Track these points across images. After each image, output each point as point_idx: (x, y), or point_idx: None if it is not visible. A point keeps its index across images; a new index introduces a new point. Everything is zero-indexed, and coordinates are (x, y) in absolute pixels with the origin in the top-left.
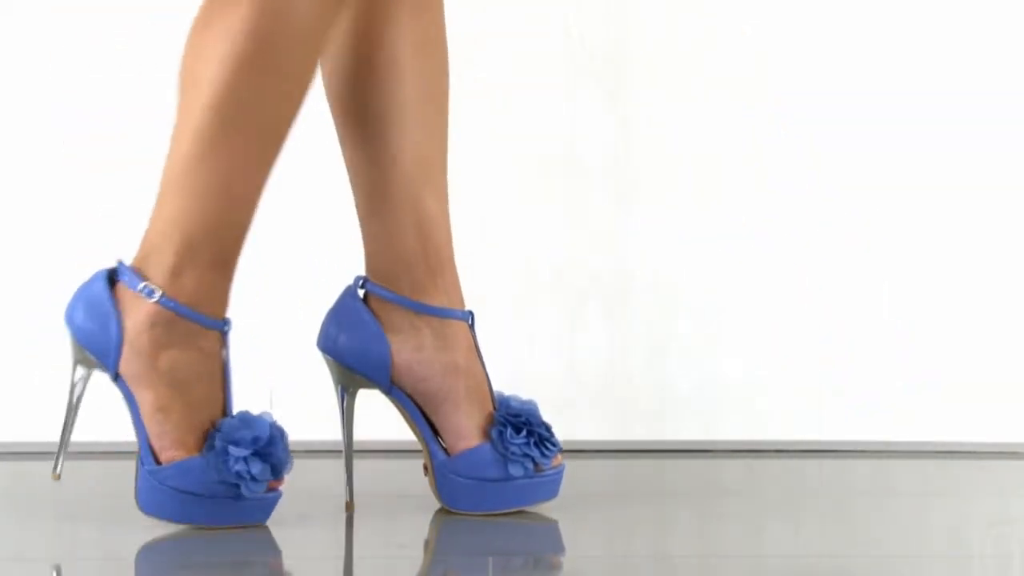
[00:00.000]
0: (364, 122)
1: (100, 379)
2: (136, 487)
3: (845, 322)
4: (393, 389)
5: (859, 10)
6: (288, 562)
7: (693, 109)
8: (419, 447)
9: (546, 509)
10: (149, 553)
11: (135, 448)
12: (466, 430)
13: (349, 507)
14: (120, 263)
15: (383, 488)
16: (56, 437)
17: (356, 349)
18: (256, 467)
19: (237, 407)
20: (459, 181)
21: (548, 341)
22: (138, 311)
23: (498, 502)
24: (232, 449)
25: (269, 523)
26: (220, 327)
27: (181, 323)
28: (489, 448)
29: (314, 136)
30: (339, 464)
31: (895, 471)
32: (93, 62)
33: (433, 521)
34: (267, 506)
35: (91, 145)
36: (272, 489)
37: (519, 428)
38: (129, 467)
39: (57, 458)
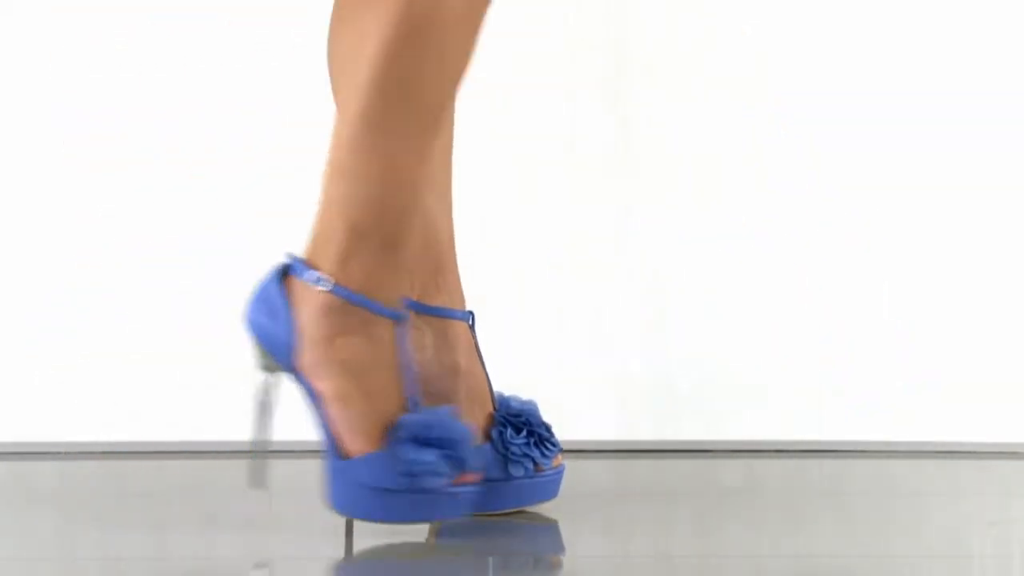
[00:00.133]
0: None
1: (90, 378)
2: (327, 487)
3: (845, 322)
4: None
5: (859, 10)
6: (288, 562)
7: (693, 109)
8: None
9: (546, 509)
10: (148, 553)
11: (135, 448)
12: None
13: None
14: (290, 255)
15: None
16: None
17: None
18: (432, 457)
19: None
20: (459, 181)
21: (548, 341)
22: (311, 302)
23: (498, 502)
24: (411, 441)
25: (269, 523)
26: (392, 316)
27: (353, 311)
28: (489, 448)
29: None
30: None
31: (895, 471)
32: (93, 62)
33: (433, 521)
34: (462, 501)
35: (91, 145)
36: (463, 483)
37: (519, 428)
38: (129, 467)
39: (259, 466)
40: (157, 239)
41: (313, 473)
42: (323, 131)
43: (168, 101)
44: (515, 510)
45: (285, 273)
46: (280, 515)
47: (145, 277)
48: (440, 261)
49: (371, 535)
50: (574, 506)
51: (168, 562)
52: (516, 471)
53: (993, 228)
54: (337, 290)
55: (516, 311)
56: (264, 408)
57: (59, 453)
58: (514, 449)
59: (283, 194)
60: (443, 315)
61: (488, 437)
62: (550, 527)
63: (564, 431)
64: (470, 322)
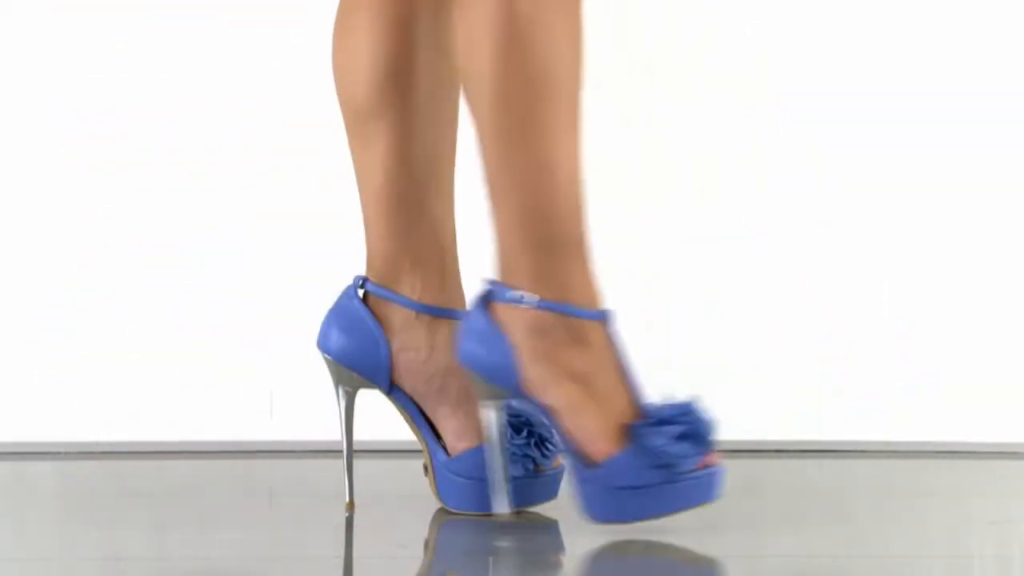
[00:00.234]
0: (375, 121)
1: (90, 378)
2: (581, 499)
3: (845, 322)
4: (393, 390)
5: (859, 10)
6: (288, 562)
7: (693, 109)
8: (419, 447)
9: (546, 509)
10: (148, 553)
11: (135, 448)
12: (466, 430)
13: (349, 507)
14: (487, 280)
15: (383, 488)
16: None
17: (355, 350)
18: (681, 444)
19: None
20: (460, 181)
21: None
22: (520, 321)
23: None
24: (658, 432)
25: (269, 523)
26: (599, 317)
27: (563, 321)
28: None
29: (315, 136)
30: (339, 464)
31: (895, 471)
32: (93, 62)
33: (433, 521)
34: (714, 482)
35: (91, 145)
36: (710, 465)
37: (519, 428)
38: (129, 467)
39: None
40: (157, 239)
41: (313, 473)
42: (323, 131)
43: (168, 101)
44: (515, 510)
45: (487, 301)
46: (280, 515)
47: (145, 277)
48: (442, 261)
49: (371, 535)
50: (574, 506)
51: (168, 562)
52: (516, 471)
53: (993, 228)
54: (543, 304)
55: None
56: (498, 442)
57: (59, 453)
58: (514, 449)
59: (283, 194)
60: (444, 315)
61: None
62: (550, 527)
63: None
64: None
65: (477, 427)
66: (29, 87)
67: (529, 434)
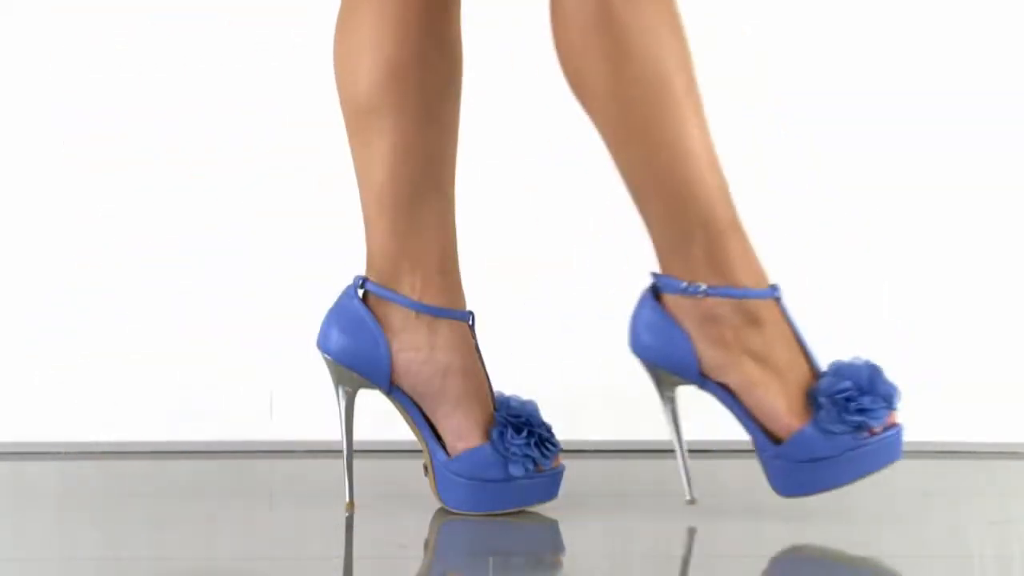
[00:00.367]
0: (376, 119)
1: (90, 378)
2: (770, 477)
3: (844, 322)
4: (393, 390)
5: (859, 10)
6: (288, 562)
7: None
8: (419, 447)
9: (546, 509)
10: (148, 553)
11: (135, 448)
12: (466, 430)
13: (349, 507)
14: (654, 274)
15: (383, 488)
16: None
17: (355, 350)
18: (872, 403)
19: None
20: (460, 181)
21: (548, 341)
22: (692, 310)
23: (498, 502)
24: (844, 398)
25: (269, 523)
26: (770, 295)
27: (733, 304)
28: (489, 448)
29: (315, 136)
30: (339, 464)
31: (895, 471)
32: (93, 62)
33: (433, 521)
34: (891, 443)
35: (91, 145)
36: (891, 426)
37: (519, 428)
38: (129, 467)
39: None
40: (157, 239)
41: (313, 473)
42: (323, 131)
43: (168, 101)
44: (515, 510)
45: (656, 293)
46: (280, 515)
47: (145, 277)
48: (442, 261)
49: (371, 535)
50: (574, 506)
51: (168, 562)
52: (516, 471)
53: (993, 228)
54: (711, 291)
55: (516, 311)
56: (675, 419)
57: (59, 453)
58: (514, 449)
59: (283, 194)
60: (443, 315)
61: (488, 437)
62: (550, 527)
63: (564, 431)
64: (470, 322)
65: (477, 427)
66: (29, 87)
67: (529, 434)
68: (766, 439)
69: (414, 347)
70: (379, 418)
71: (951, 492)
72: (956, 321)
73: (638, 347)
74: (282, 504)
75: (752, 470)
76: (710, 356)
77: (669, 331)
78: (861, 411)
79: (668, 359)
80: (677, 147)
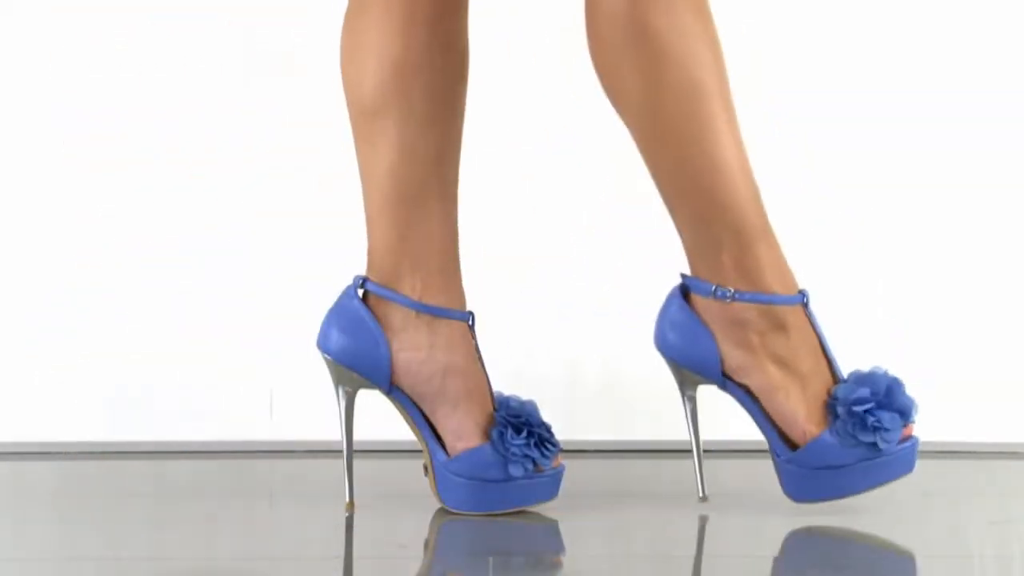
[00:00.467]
0: (381, 119)
1: (90, 378)
2: (785, 482)
3: (841, 322)
4: (393, 390)
5: (855, 9)
6: (288, 562)
7: None
8: (419, 447)
9: (546, 509)
10: (148, 553)
11: (135, 448)
12: (466, 430)
13: (349, 507)
14: (683, 275)
15: (383, 488)
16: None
17: (355, 350)
18: (887, 413)
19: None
20: (460, 181)
21: (548, 341)
22: (720, 313)
23: (498, 502)
24: (864, 407)
25: (269, 523)
26: (794, 301)
27: (760, 309)
28: (489, 448)
29: (315, 136)
30: (339, 464)
31: None
32: (93, 62)
33: (433, 521)
34: (907, 455)
35: (91, 145)
36: (907, 438)
37: (519, 428)
38: (129, 467)
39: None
40: (157, 239)
41: (313, 473)
42: (323, 131)
43: (168, 101)
44: (515, 510)
45: (685, 293)
46: (280, 515)
47: (145, 277)
48: (443, 261)
49: (371, 535)
50: (574, 506)
51: (168, 562)
52: (516, 471)
53: (991, 227)
54: (739, 296)
55: (516, 311)
56: (694, 417)
57: (59, 453)
58: (514, 449)
59: (283, 194)
60: (442, 315)
61: (488, 437)
62: (550, 527)
63: (564, 431)
64: (470, 322)
65: (477, 427)
66: (29, 87)
67: (529, 434)
68: (782, 444)
69: (414, 347)
70: (379, 418)
71: (951, 492)
72: (954, 320)
73: (663, 345)
74: (282, 504)
75: (752, 470)
76: (734, 357)
77: (695, 331)
78: (877, 429)
79: (692, 358)
80: (711, 155)
